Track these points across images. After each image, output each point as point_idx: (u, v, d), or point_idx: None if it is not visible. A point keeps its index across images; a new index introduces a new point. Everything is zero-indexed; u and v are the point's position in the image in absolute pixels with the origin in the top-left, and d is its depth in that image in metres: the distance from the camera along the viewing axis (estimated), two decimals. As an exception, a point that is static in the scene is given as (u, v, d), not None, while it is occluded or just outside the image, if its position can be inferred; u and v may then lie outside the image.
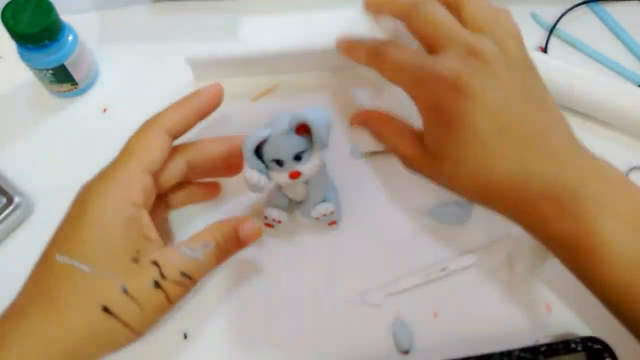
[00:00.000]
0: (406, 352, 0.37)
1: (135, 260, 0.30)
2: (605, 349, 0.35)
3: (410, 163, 0.36)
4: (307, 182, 0.35)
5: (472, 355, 0.35)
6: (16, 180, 0.41)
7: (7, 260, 0.39)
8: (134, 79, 0.45)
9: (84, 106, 0.44)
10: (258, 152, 0.33)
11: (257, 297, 0.38)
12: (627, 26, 0.48)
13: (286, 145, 0.32)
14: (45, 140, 0.43)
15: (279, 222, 0.37)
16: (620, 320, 0.31)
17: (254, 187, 0.33)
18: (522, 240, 0.39)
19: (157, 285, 0.30)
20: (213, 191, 0.40)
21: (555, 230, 0.31)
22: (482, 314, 0.38)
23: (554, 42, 0.48)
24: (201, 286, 0.38)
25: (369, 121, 0.39)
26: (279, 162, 0.33)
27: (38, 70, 0.40)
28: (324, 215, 0.37)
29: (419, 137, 0.35)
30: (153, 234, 0.32)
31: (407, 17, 0.35)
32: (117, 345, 0.31)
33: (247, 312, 0.38)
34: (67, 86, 0.43)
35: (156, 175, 0.33)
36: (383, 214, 0.41)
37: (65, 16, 0.40)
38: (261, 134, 0.32)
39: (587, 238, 0.30)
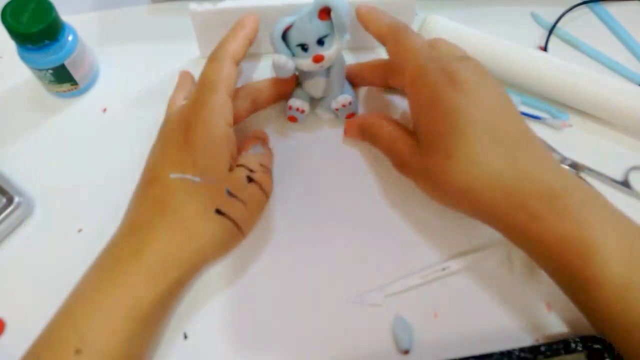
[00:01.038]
0: (406, 351, 0.37)
1: (231, 168, 0.36)
2: (605, 348, 0.35)
3: (400, 161, 0.37)
4: (327, 77, 0.39)
5: (472, 355, 0.35)
6: (16, 180, 0.41)
7: (7, 260, 0.39)
8: (134, 79, 0.45)
9: (84, 106, 0.44)
10: (284, 40, 0.36)
11: (257, 297, 0.38)
12: (627, 26, 0.48)
13: (310, 29, 0.35)
14: (45, 140, 0.43)
15: (302, 111, 0.41)
16: (604, 326, 0.31)
17: (281, 70, 0.37)
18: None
19: (250, 179, 0.36)
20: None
21: (545, 230, 0.31)
22: (482, 314, 0.38)
23: (554, 42, 0.48)
24: (201, 286, 0.38)
25: (363, 127, 0.41)
26: (304, 47, 0.36)
27: (38, 70, 0.40)
28: (344, 106, 0.41)
29: (412, 135, 0.37)
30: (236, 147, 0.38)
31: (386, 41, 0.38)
32: (230, 246, 0.36)
33: (247, 312, 0.38)
34: (67, 86, 0.43)
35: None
36: (383, 214, 0.41)
37: (65, 16, 0.40)
38: (288, 20, 0.36)
39: (576, 239, 0.30)
